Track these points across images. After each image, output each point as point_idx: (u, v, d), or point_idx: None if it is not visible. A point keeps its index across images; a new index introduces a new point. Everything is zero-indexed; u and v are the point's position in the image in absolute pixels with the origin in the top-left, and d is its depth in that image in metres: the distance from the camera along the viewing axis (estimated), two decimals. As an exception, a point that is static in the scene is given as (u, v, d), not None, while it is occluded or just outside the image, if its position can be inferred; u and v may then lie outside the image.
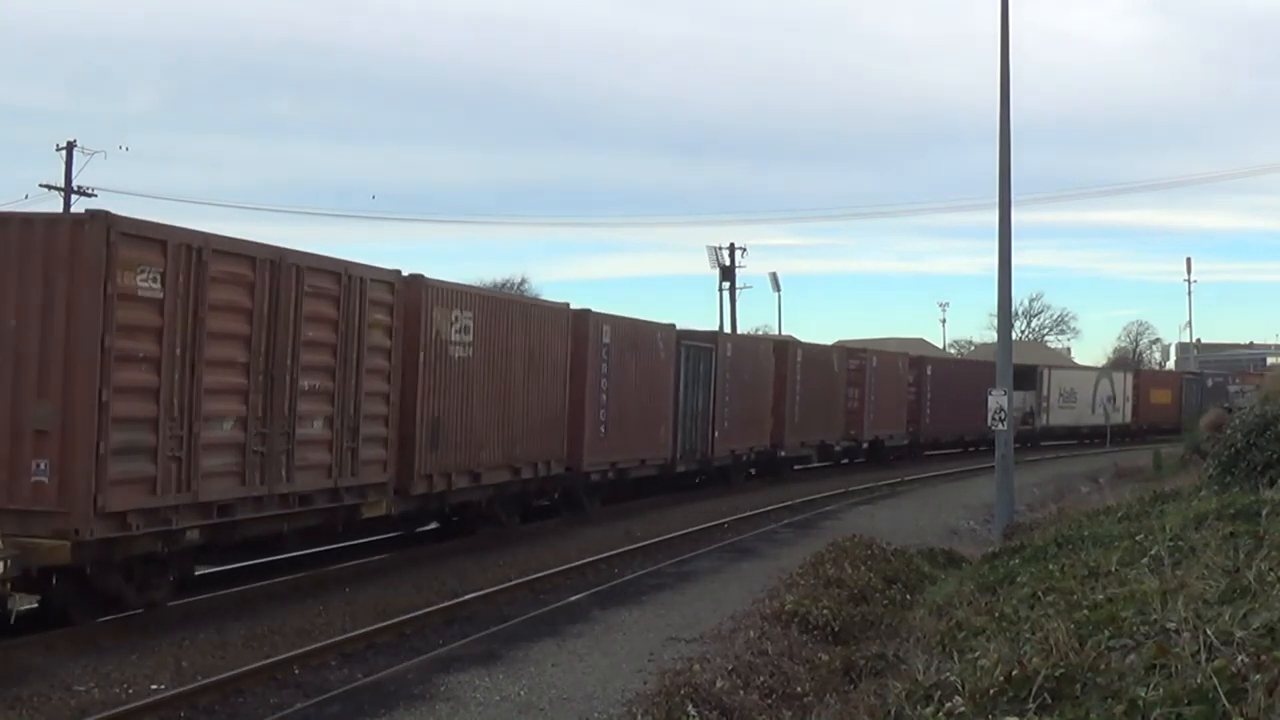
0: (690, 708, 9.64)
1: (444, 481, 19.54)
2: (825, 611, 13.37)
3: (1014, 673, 7.29)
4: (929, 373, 48.47)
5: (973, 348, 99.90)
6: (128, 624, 13.90)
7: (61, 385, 12.58)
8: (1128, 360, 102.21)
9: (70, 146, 44.16)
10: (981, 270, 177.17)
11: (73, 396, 12.56)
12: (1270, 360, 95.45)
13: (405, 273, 18.51)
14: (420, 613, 15.38)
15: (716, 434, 31.93)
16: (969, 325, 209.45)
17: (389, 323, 17.78)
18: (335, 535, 18.10)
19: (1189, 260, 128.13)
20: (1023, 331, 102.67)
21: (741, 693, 10.27)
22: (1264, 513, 12.40)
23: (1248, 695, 5.95)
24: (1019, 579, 12.94)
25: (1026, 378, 51.97)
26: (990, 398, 23.49)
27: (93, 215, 12.89)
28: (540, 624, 14.78)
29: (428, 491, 19.22)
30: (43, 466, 12.49)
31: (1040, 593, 11.04)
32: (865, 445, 42.92)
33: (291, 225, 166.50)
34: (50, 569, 12.73)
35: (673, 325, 30.13)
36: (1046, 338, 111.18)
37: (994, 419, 23.34)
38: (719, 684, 10.33)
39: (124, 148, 58.76)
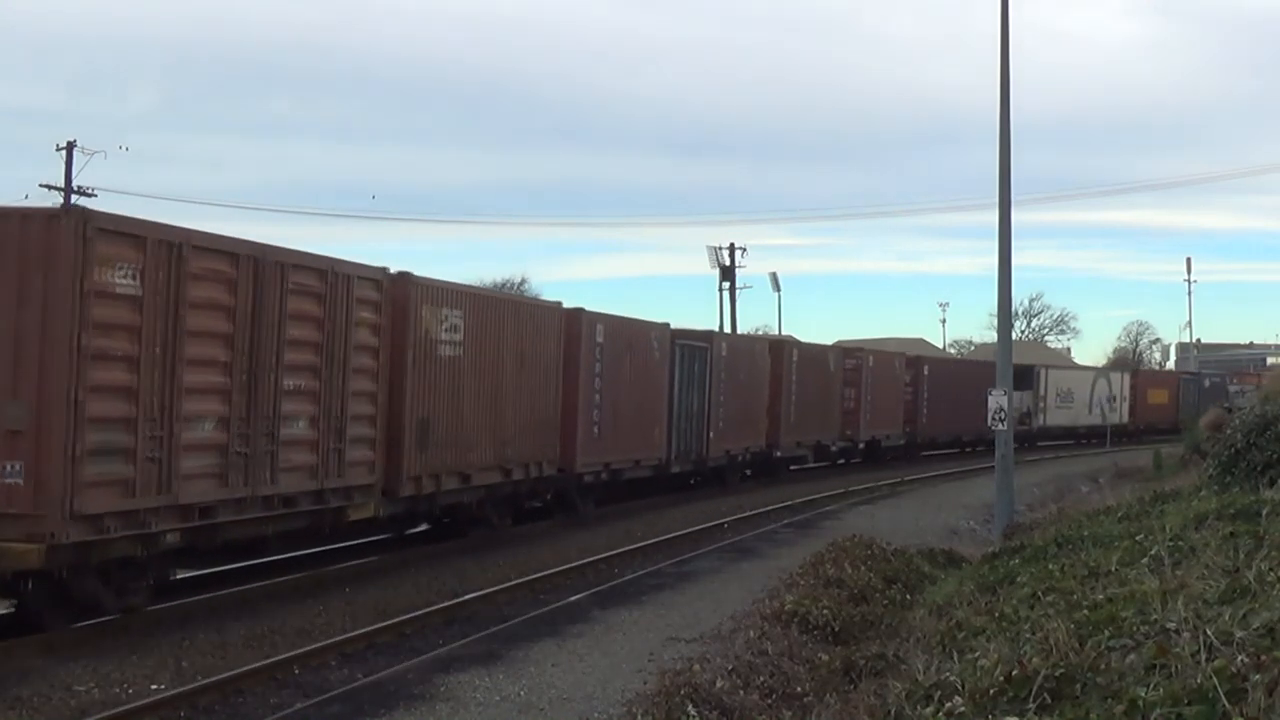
0: (690, 708, 9.68)
1: (433, 483, 19.27)
2: (825, 611, 13.38)
3: (1014, 673, 7.28)
4: (926, 373, 48.32)
5: (973, 348, 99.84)
6: (128, 624, 13.79)
7: (35, 384, 12.30)
8: (1128, 360, 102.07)
9: (70, 146, 44.23)
10: (981, 270, 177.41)
11: (47, 396, 12.28)
12: (1270, 360, 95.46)
13: (393, 270, 18.24)
14: (420, 613, 15.35)
15: (711, 434, 31.71)
16: (969, 325, 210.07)
17: (376, 321, 17.52)
18: (321, 538, 17.83)
19: (1189, 260, 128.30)
20: (1023, 331, 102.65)
21: (741, 693, 10.29)
22: (1264, 513, 12.40)
23: (1248, 695, 5.94)
24: (1019, 579, 12.94)
25: (1023, 378, 51.68)
26: (990, 398, 23.48)
27: (68, 210, 12.70)
28: (540, 624, 14.78)
29: (416, 493, 18.94)
30: (16, 468, 12.20)
31: (1040, 593, 11.03)
32: (861, 445, 42.78)
33: (291, 225, 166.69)
34: (24, 573, 12.45)
35: (667, 324, 29.96)
36: (1046, 338, 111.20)
37: (994, 419, 23.30)
38: (719, 684, 10.36)
39: (124, 148, 59.03)
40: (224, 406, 14.43)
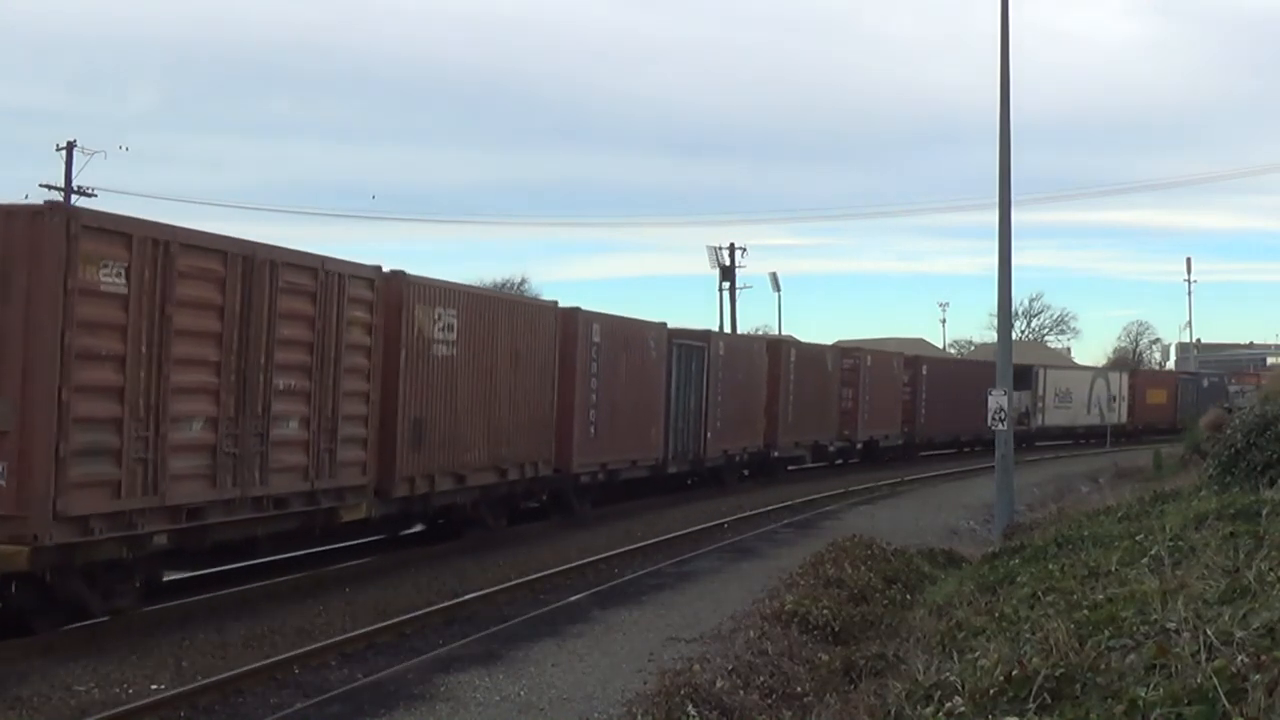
0: (690, 708, 9.68)
1: (426, 484, 19.10)
2: (825, 611, 13.37)
3: (1014, 673, 7.28)
4: (924, 372, 48.22)
5: (973, 348, 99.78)
6: (128, 624, 13.71)
7: (20, 384, 12.12)
8: (1128, 360, 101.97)
9: (70, 146, 44.32)
10: (981, 270, 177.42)
11: (32, 396, 12.11)
12: (1270, 360, 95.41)
13: (386, 269, 18.07)
14: (420, 613, 15.32)
15: (709, 434, 31.58)
16: (969, 325, 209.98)
17: (369, 320, 17.36)
18: (313, 539, 17.66)
19: (1189, 260, 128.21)
20: (1023, 331, 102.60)
21: (741, 693, 10.29)
22: (1264, 513, 12.39)
23: (1248, 695, 5.94)
24: (1019, 579, 12.92)
25: (1022, 378, 51.49)
26: (990, 397, 23.44)
27: (52, 206, 12.55)
28: (540, 624, 14.77)
29: (409, 494, 18.77)
30: (0, 469, 12.01)
31: (1040, 593, 11.02)
32: (860, 446, 42.69)
33: (291, 225, 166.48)
34: (9, 575, 12.29)
35: (664, 324, 29.83)
36: (1046, 338, 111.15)
37: (994, 419, 23.25)
38: (719, 684, 10.36)
39: (124, 148, 59.32)
40: (213, 406, 14.26)
